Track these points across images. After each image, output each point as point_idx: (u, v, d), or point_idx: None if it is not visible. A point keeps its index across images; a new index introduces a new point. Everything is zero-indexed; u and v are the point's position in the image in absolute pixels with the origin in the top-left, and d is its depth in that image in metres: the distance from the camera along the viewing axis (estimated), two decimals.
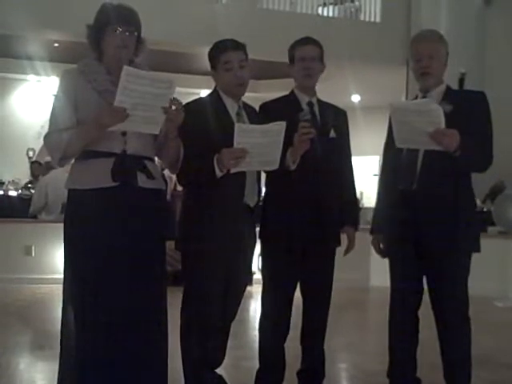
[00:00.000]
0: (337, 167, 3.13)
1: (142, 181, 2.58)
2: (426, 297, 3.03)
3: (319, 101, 3.20)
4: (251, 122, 3.00)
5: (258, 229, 3.10)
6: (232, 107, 2.99)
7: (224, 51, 2.95)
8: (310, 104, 3.14)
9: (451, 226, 2.86)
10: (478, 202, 7.83)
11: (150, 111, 2.45)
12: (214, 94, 3.03)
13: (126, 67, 2.40)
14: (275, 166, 2.81)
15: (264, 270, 3.17)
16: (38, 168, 9.19)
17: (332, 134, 3.12)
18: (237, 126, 2.69)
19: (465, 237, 2.89)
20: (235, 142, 2.66)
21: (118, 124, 2.43)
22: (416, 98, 3.02)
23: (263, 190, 3.19)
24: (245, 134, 2.68)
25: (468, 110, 2.85)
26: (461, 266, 2.92)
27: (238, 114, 2.99)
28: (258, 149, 2.72)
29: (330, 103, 3.24)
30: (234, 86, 2.95)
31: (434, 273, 2.92)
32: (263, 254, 3.17)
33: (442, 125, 2.67)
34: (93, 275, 2.51)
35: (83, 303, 2.52)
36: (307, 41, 3.15)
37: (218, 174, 2.76)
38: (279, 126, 2.73)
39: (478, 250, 2.96)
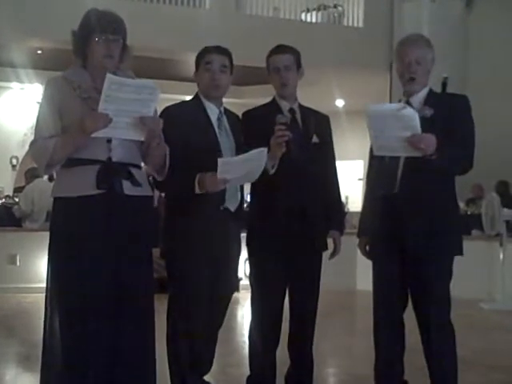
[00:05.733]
0: (320, 172, 3.13)
1: (127, 188, 2.57)
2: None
3: (301, 106, 3.19)
4: (232, 128, 3.02)
5: (244, 234, 3.10)
6: (213, 112, 2.99)
7: (208, 52, 2.99)
8: (291, 111, 3.13)
9: (432, 230, 2.86)
10: (462, 205, 7.85)
11: (134, 118, 2.45)
12: (196, 98, 3.04)
13: (109, 75, 2.40)
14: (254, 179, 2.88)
15: (252, 277, 3.17)
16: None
17: (315, 139, 3.12)
18: (219, 161, 2.69)
19: (447, 240, 2.90)
20: (218, 173, 2.69)
21: (102, 130, 2.43)
22: (400, 101, 3.04)
23: (248, 195, 3.19)
24: (228, 168, 2.72)
25: (449, 113, 2.87)
26: (443, 270, 2.92)
27: (218, 119, 3.00)
28: (241, 174, 2.77)
29: (312, 109, 3.24)
30: (210, 86, 2.97)
31: (415, 276, 2.92)
32: (250, 260, 3.16)
33: (418, 129, 2.67)
34: (78, 283, 2.50)
35: (69, 310, 2.51)
36: (279, 50, 3.12)
37: (197, 192, 2.80)
38: (260, 153, 2.75)
39: (460, 253, 2.96)
